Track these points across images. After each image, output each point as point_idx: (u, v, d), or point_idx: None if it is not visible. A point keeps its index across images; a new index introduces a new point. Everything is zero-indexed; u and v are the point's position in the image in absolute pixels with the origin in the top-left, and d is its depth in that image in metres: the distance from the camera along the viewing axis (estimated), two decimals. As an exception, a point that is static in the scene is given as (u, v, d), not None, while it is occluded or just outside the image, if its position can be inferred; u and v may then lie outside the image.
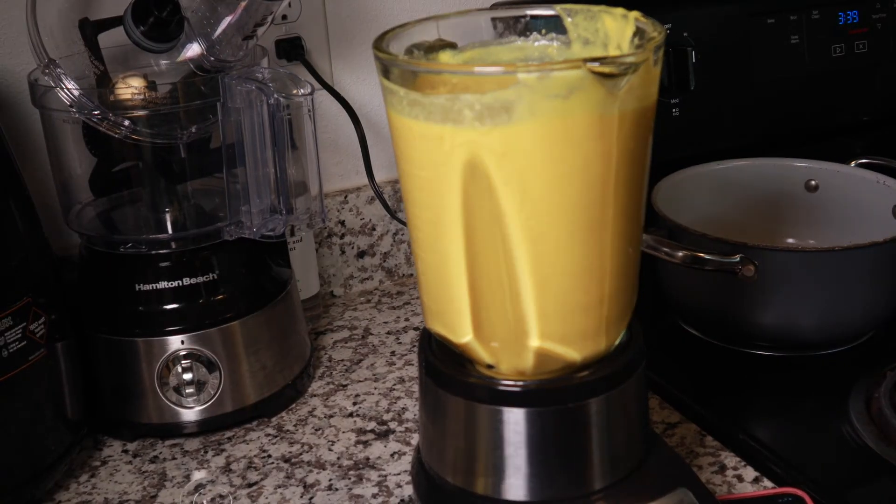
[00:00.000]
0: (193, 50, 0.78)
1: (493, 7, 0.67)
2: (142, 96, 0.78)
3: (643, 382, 0.62)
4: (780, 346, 0.87)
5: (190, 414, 0.81)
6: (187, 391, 0.80)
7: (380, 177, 1.02)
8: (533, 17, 0.62)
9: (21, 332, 0.70)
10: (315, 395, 0.88)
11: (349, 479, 0.76)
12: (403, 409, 0.85)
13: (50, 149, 0.84)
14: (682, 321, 0.93)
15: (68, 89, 0.74)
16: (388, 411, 0.85)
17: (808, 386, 0.84)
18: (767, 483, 0.72)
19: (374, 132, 1.02)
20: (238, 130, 0.78)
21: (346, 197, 1.04)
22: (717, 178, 0.99)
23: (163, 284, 0.80)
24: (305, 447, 0.80)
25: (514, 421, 0.58)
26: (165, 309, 0.80)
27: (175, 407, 0.81)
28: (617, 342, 0.60)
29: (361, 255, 1.07)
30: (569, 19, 0.61)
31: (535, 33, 0.62)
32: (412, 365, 0.92)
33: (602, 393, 0.58)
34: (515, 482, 0.59)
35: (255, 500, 0.74)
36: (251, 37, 0.78)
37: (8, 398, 0.69)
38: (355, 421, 0.84)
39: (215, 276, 0.81)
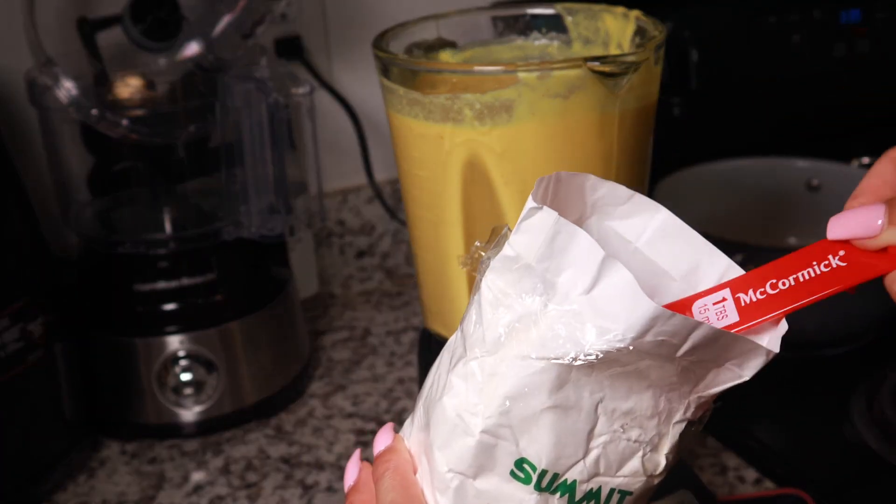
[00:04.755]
0: (192, 49, 0.78)
1: (494, 6, 0.67)
2: (140, 95, 0.78)
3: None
4: (781, 346, 0.87)
5: (188, 415, 0.81)
6: (186, 392, 0.80)
7: (380, 177, 1.02)
8: (533, 15, 0.62)
9: (19, 332, 0.69)
10: (314, 396, 0.87)
11: (348, 480, 0.76)
12: (403, 409, 0.85)
13: (48, 148, 0.84)
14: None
15: (66, 88, 0.74)
16: (387, 412, 0.85)
17: (810, 387, 0.84)
18: (769, 484, 0.72)
19: (374, 132, 1.01)
20: (237, 130, 0.77)
21: (345, 197, 1.04)
22: (717, 177, 0.99)
23: (161, 285, 0.80)
24: (304, 448, 0.80)
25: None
26: (164, 309, 0.80)
27: (173, 408, 0.80)
28: (618, 343, 0.60)
29: (361, 255, 1.07)
30: (569, 18, 0.60)
31: (535, 32, 0.62)
32: (412, 365, 0.92)
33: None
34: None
35: (254, 500, 0.74)
36: (250, 35, 0.78)
37: (6, 399, 0.69)
38: (355, 422, 0.83)
39: (214, 277, 0.81)
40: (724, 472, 0.74)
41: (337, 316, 1.02)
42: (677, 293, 0.39)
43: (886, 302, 0.92)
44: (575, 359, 0.33)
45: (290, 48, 0.97)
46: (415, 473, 0.38)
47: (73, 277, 0.83)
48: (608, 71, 0.50)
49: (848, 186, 1.04)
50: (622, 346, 0.33)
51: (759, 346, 0.36)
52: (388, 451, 0.39)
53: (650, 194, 0.78)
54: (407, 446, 0.39)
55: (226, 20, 0.76)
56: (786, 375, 0.85)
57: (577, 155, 0.52)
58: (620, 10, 0.58)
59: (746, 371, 0.36)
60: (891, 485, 0.72)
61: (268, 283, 0.86)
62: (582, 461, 0.35)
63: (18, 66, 0.81)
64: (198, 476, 0.77)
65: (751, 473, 0.73)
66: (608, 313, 0.33)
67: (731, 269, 0.40)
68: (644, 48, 0.52)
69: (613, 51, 0.59)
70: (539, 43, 0.62)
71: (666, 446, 0.36)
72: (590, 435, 0.35)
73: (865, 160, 0.98)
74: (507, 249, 0.35)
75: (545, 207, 0.35)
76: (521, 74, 0.50)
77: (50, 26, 0.79)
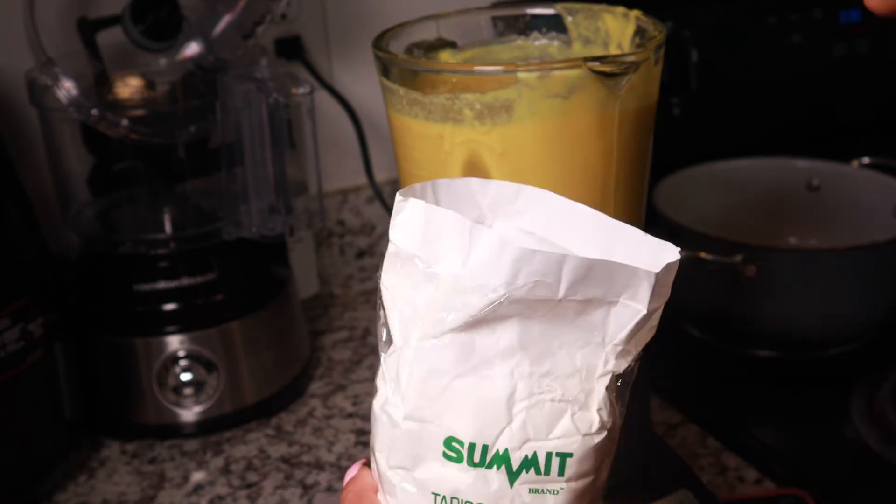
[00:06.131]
0: (192, 49, 0.78)
1: (494, 6, 0.67)
2: (140, 95, 0.78)
3: (644, 383, 0.62)
4: (781, 346, 0.87)
5: (189, 415, 0.81)
6: (186, 392, 0.80)
7: (380, 177, 1.02)
8: (533, 15, 0.62)
9: (19, 332, 0.69)
10: (314, 396, 0.87)
11: (348, 480, 0.76)
12: (403, 409, 0.85)
13: (48, 148, 0.84)
14: (683, 322, 0.93)
15: (66, 88, 0.74)
16: (387, 412, 0.84)
17: (810, 387, 0.84)
18: (769, 484, 0.72)
19: (374, 132, 1.01)
20: (237, 130, 0.77)
21: (345, 197, 1.04)
22: (717, 178, 0.99)
23: (161, 285, 0.80)
24: (305, 448, 0.80)
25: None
26: (164, 309, 0.80)
27: (174, 408, 0.80)
28: (618, 343, 0.60)
29: (361, 254, 1.07)
30: (569, 18, 0.60)
31: (535, 32, 0.62)
32: (412, 365, 0.92)
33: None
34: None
35: (254, 500, 0.74)
36: (250, 35, 0.78)
37: (6, 399, 0.69)
38: (355, 422, 0.83)
39: (214, 277, 0.81)
40: (724, 472, 0.74)
41: (337, 316, 1.02)
42: None
43: (885, 301, 0.93)
44: (466, 325, 0.35)
45: (290, 48, 0.97)
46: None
47: (73, 277, 0.83)
48: (608, 71, 0.50)
49: (848, 186, 1.05)
50: (496, 296, 0.34)
51: (637, 269, 0.36)
52: (352, 480, 0.41)
53: (650, 194, 0.78)
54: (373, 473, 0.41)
55: (226, 20, 0.76)
56: (786, 375, 0.86)
57: (577, 155, 0.52)
58: (620, 10, 0.58)
59: (640, 302, 0.37)
60: (891, 485, 0.72)
61: (268, 283, 0.86)
62: (508, 428, 0.36)
63: (18, 66, 0.81)
64: (198, 476, 0.77)
65: (751, 473, 0.73)
66: (484, 273, 0.35)
67: (635, 234, 0.40)
68: (644, 48, 0.52)
69: (613, 51, 0.58)
70: (539, 43, 0.62)
71: (595, 403, 0.37)
72: (510, 401, 0.36)
73: (865, 160, 0.98)
74: (390, 247, 0.38)
75: (411, 199, 0.37)
76: (521, 74, 0.50)
77: (50, 26, 0.79)
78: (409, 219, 0.37)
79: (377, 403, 0.38)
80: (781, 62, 1.07)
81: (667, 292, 0.38)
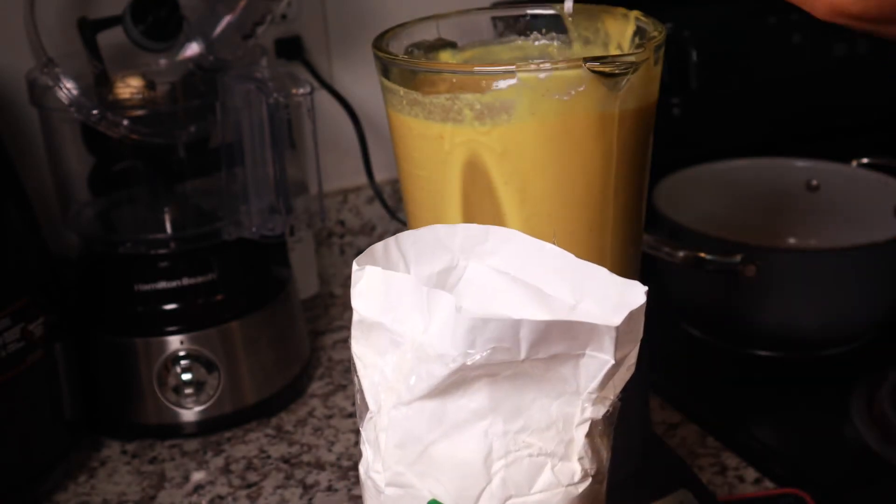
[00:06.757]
0: (192, 49, 0.78)
1: (494, 6, 0.67)
2: (140, 96, 0.78)
3: (645, 383, 0.62)
4: (781, 346, 0.87)
5: (189, 414, 0.81)
6: (186, 392, 0.80)
7: (380, 177, 1.02)
8: (533, 16, 0.62)
9: (19, 332, 0.69)
10: (314, 396, 0.87)
11: (349, 479, 0.76)
12: (403, 409, 0.85)
13: (48, 148, 0.84)
14: (683, 322, 0.93)
15: (67, 88, 0.74)
16: (387, 412, 0.85)
17: (810, 386, 0.84)
18: (769, 484, 0.72)
19: (374, 132, 1.01)
20: (237, 130, 0.77)
21: (345, 197, 1.04)
22: (717, 178, 0.99)
23: (162, 285, 0.80)
24: (305, 448, 0.80)
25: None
26: (164, 309, 0.80)
27: (174, 407, 0.80)
28: (618, 343, 0.60)
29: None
30: (569, 18, 0.60)
31: (535, 32, 0.62)
32: (412, 365, 0.92)
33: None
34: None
35: (254, 500, 0.74)
36: (250, 36, 0.78)
37: (6, 399, 0.69)
38: (355, 422, 0.83)
39: (214, 277, 0.81)
40: (724, 472, 0.74)
41: (337, 316, 1.02)
42: (569, 308, 0.40)
43: (885, 301, 0.93)
44: (432, 392, 0.35)
45: (290, 48, 0.97)
46: None
47: (73, 277, 0.83)
48: (608, 71, 0.50)
49: (848, 186, 1.05)
50: (456, 365, 0.34)
51: (596, 326, 0.36)
52: None
53: (650, 194, 0.78)
54: None
55: (226, 20, 0.77)
56: (786, 375, 0.86)
57: (577, 155, 0.52)
58: (620, 10, 0.58)
59: (606, 353, 0.36)
60: (891, 485, 0.72)
61: (268, 283, 0.86)
62: (487, 488, 0.36)
63: (19, 66, 0.81)
64: (198, 476, 0.77)
65: (751, 473, 0.73)
66: (443, 341, 0.35)
67: (601, 274, 0.40)
68: (644, 48, 0.52)
69: (613, 51, 0.58)
70: (539, 43, 0.62)
71: (575, 452, 0.37)
72: (487, 461, 0.36)
73: (865, 160, 0.98)
74: (354, 315, 0.38)
75: (367, 266, 0.38)
76: (521, 74, 0.50)
77: (51, 26, 0.79)
78: (368, 287, 0.37)
79: (362, 468, 0.39)
80: (781, 62, 1.07)
81: (636, 337, 0.37)
